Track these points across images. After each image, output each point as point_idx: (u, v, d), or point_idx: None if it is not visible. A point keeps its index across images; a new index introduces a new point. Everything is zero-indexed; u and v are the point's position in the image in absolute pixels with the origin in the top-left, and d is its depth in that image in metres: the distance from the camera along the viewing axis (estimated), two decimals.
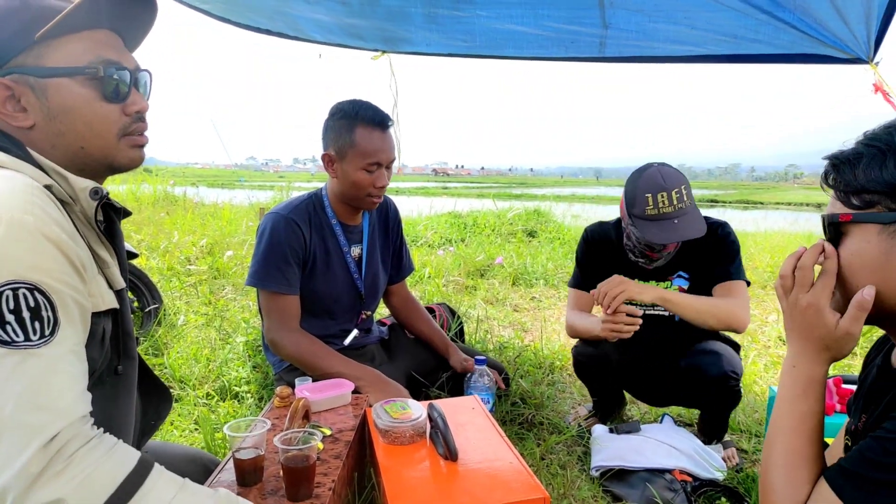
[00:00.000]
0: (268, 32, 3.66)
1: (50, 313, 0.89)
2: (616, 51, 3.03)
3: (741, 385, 2.16)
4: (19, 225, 0.87)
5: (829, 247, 0.98)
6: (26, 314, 0.86)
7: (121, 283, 1.12)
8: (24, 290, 0.86)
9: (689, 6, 2.47)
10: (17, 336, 0.85)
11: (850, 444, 1.06)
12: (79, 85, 1.03)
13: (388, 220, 2.48)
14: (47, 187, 0.97)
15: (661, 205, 2.08)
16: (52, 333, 0.89)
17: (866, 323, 0.97)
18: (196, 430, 2.38)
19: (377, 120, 2.12)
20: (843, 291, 0.99)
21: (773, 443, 1.04)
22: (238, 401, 2.63)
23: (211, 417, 2.37)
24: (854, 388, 1.33)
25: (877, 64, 2.47)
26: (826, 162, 1.01)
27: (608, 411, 2.60)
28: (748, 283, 2.22)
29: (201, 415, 2.39)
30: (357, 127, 2.09)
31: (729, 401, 2.19)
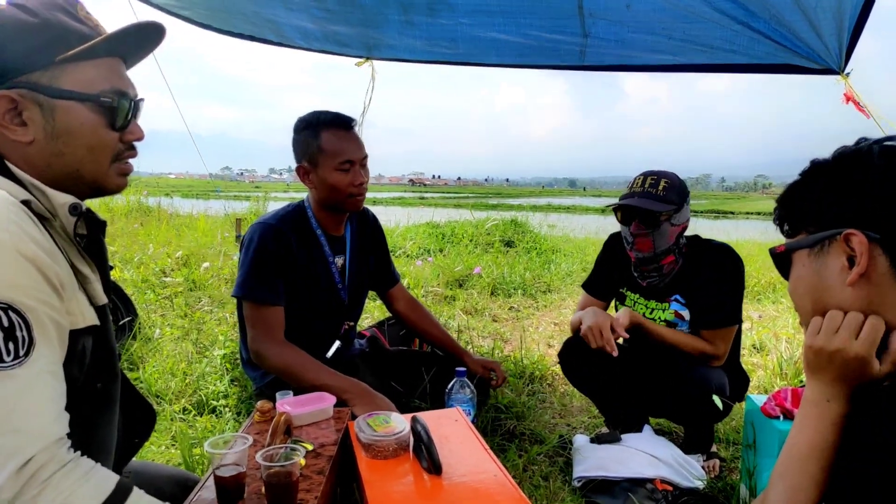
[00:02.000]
0: (251, 38, 3.64)
1: (25, 333, 0.86)
2: (596, 59, 3.08)
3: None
4: None
5: None
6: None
7: (103, 298, 1.09)
8: None
9: (667, 18, 2.51)
10: None
11: None
12: (88, 110, 1.02)
13: (370, 229, 2.49)
14: (25, 203, 0.94)
15: (635, 184, 2.23)
16: (28, 353, 0.86)
17: None
18: (173, 445, 2.32)
19: (339, 121, 2.17)
20: (800, 315, 1.04)
21: (788, 469, 1.03)
22: (216, 415, 2.58)
23: (188, 433, 2.32)
24: None
25: (847, 74, 2.52)
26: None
27: (618, 418, 2.45)
28: (740, 322, 2.23)
29: (178, 430, 2.34)
30: (322, 132, 2.14)
31: (711, 416, 2.20)
